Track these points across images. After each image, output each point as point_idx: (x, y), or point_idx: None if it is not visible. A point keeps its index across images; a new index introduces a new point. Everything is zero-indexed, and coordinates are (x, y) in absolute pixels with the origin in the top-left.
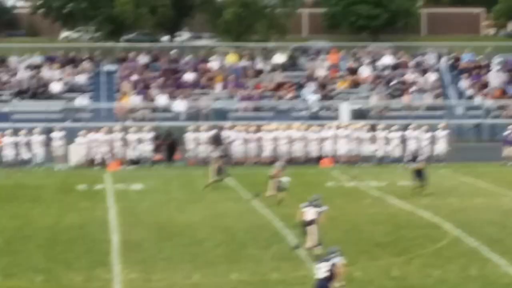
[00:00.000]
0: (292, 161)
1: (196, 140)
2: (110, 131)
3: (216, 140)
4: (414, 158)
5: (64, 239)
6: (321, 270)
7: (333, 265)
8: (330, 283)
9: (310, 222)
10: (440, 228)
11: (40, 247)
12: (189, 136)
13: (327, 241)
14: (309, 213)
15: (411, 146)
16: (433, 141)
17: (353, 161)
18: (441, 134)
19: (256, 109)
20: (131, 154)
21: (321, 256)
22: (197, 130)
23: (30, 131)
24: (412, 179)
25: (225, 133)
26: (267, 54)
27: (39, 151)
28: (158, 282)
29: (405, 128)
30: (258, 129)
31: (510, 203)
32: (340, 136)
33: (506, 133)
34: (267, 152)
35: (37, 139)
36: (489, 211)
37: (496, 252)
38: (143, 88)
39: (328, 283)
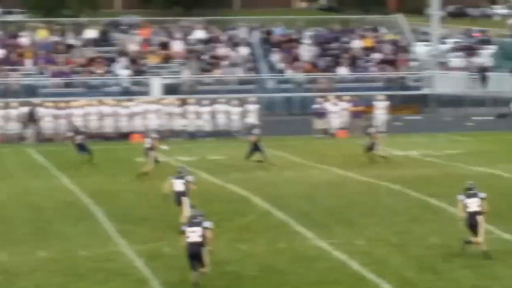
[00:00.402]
0: (102, 136)
1: (6, 117)
2: None
3: (31, 117)
4: (249, 131)
5: None
6: (194, 234)
7: (205, 229)
8: (203, 247)
9: (183, 193)
10: (249, 202)
11: None
12: None
13: (136, 216)
14: (178, 185)
15: (221, 120)
16: (244, 115)
17: (164, 136)
18: (252, 107)
19: (67, 85)
20: None
21: (190, 221)
22: (7, 107)
23: None
24: (248, 152)
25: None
26: (79, 29)
27: None
28: None
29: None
30: (68, 105)
31: (318, 176)
32: (151, 111)
33: (315, 106)
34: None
35: None
36: (298, 185)
37: (305, 226)
38: None
39: (201, 247)
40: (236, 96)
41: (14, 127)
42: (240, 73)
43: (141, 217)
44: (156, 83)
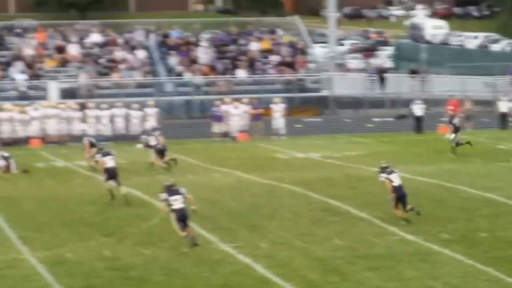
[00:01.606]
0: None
1: None
2: None
3: None
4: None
5: None
6: (178, 201)
7: (184, 194)
8: (188, 209)
9: (114, 169)
10: (151, 206)
11: None
12: None
13: (37, 223)
14: (109, 161)
15: (120, 124)
16: (144, 118)
17: (63, 140)
18: (151, 111)
19: None
20: None
21: (168, 190)
22: None
23: None
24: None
25: None
26: None
27: None
28: None
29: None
30: None
31: (220, 179)
32: (49, 116)
33: (213, 109)
34: None
35: None
36: (199, 188)
37: (207, 229)
38: None
39: (187, 210)
40: (135, 99)
41: None
42: (138, 77)
43: (42, 223)
44: (53, 87)
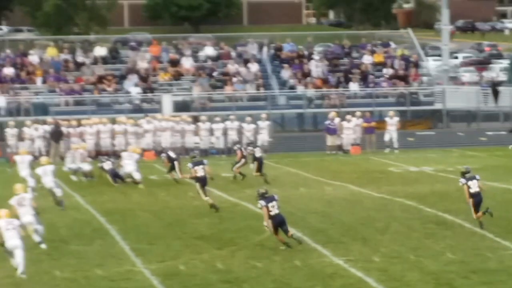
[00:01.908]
0: (115, 154)
1: (18, 136)
2: None
3: (56, 135)
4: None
5: None
6: (275, 207)
7: (277, 201)
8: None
9: (205, 177)
10: (263, 219)
11: None
12: (10, 132)
13: (150, 235)
14: (200, 170)
15: (233, 137)
16: (256, 131)
17: (177, 153)
18: (263, 124)
19: (78, 103)
20: None
21: (264, 197)
22: (19, 125)
23: None
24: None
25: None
26: (88, 47)
27: None
28: None
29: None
30: (79, 124)
31: (332, 192)
32: (163, 129)
33: (327, 122)
34: (90, 146)
35: None
36: (312, 201)
37: (320, 242)
38: None
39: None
40: (247, 112)
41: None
42: (250, 90)
43: (155, 235)
44: (167, 100)
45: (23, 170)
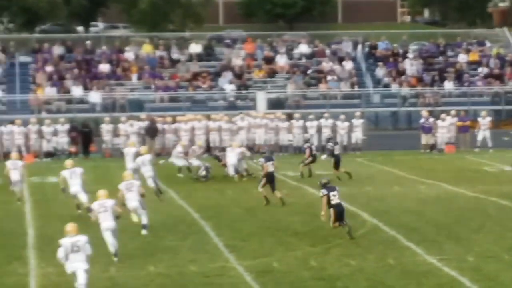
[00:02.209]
0: (210, 151)
1: (113, 132)
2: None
3: (152, 131)
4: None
5: None
6: (336, 196)
7: (338, 191)
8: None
9: (273, 174)
10: (358, 217)
11: None
12: (106, 127)
13: (244, 231)
14: (271, 166)
15: (327, 134)
16: (350, 129)
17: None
18: (357, 122)
19: (173, 99)
20: (47, 146)
21: (326, 187)
22: (115, 121)
23: None
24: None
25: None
26: (183, 44)
27: None
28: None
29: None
30: (174, 120)
31: (426, 191)
32: (257, 126)
33: (422, 120)
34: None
35: None
36: (406, 200)
37: (413, 241)
38: (58, 80)
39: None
40: (341, 110)
41: (121, 141)
42: (345, 88)
43: (249, 232)
44: (261, 98)
45: (129, 163)
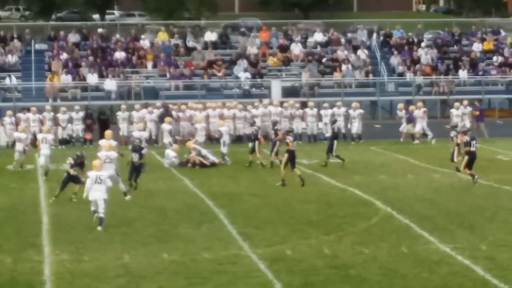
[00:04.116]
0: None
1: (129, 119)
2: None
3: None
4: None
5: None
6: (474, 146)
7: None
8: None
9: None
10: (371, 206)
11: None
12: (122, 115)
13: (258, 219)
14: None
15: (340, 123)
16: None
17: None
18: (355, 113)
19: (188, 87)
20: (62, 133)
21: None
22: (130, 109)
23: None
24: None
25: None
26: (198, 32)
27: None
28: (89, 263)
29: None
30: (189, 108)
31: (440, 179)
32: (271, 114)
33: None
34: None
35: None
36: (419, 188)
37: (426, 229)
38: (73, 67)
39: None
40: (356, 99)
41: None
42: (359, 76)
43: (263, 220)
44: (276, 86)
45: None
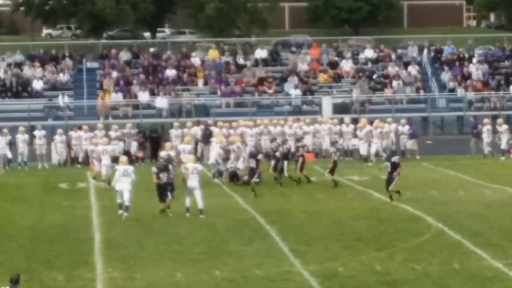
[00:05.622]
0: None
1: (182, 137)
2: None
3: (206, 137)
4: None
5: (46, 238)
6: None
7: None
8: None
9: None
10: (422, 222)
11: (21, 247)
12: (175, 133)
13: (309, 236)
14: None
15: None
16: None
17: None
18: (403, 129)
19: (238, 104)
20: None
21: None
22: (182, 127)
23: (13, 130)
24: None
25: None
26: (249, 49)
27: (23, 150)
28: (140, 281)
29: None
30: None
31: (491, 195)
32: (322, 130)
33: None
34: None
35: (22, 137)
36: (470, 204)
37: (478, 245)
38: (125, 85)
39: None
40: (406, 115)
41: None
42: (410, 92)
43: (314, 237)
44: (326, 102)
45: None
